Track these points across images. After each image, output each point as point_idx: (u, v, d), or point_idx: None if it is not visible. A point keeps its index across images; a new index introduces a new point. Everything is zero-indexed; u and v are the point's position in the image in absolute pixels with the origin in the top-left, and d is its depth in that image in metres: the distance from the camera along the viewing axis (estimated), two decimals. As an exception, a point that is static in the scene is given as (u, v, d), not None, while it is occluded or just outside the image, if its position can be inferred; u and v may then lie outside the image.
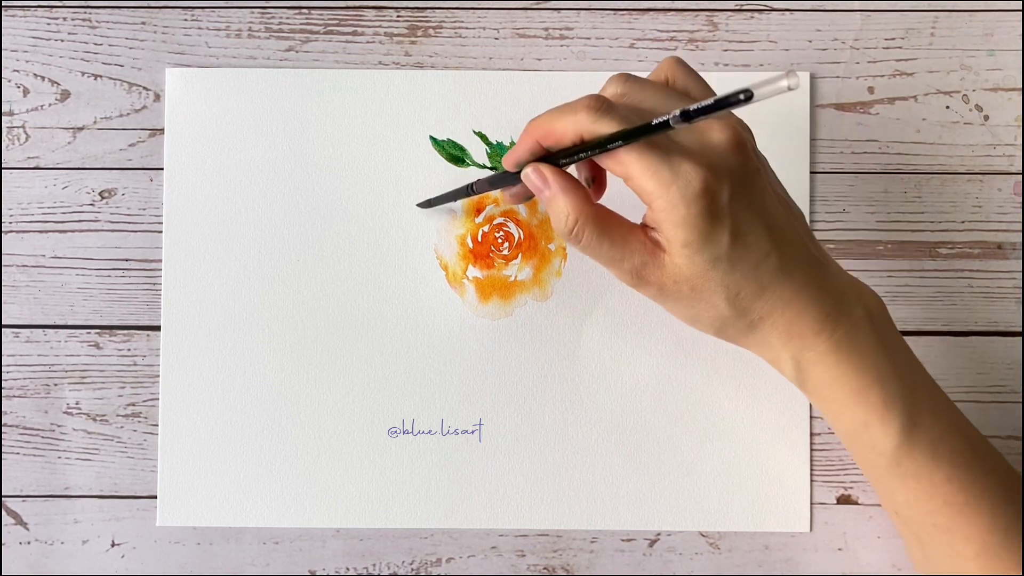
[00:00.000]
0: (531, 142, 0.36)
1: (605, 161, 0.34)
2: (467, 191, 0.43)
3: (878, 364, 0.36)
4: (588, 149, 0.34)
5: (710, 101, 0.29)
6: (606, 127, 0.33)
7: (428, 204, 0.46)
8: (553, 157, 0.36)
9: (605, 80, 0.36)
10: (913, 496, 0.37)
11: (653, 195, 0.33)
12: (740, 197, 0.34)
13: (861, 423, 0.36)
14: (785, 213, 0.36)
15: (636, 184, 0.34)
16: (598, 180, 0.39)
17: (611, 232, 0.35)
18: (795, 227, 0.36)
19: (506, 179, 0.39)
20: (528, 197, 0.40)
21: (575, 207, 0.35)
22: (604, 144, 0.33)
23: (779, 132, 0.46)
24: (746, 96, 0.28)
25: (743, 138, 0.34)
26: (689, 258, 0.34)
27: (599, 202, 0.37)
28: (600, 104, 0.34)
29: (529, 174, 0.36)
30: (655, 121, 0.31)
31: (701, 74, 0.37)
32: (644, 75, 0.35)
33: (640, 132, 0.32)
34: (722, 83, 0.46)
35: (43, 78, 0.47)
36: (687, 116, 0.30)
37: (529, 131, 0.36)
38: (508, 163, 0.38)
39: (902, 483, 0.37)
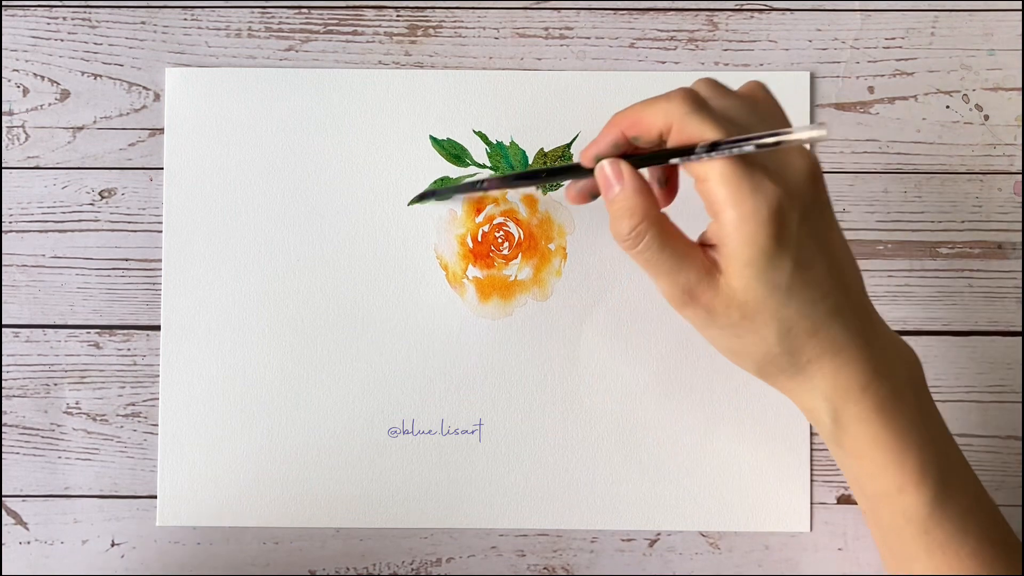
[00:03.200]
0: (615, 133, 0.35)
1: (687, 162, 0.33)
2: (474, 187, 0.42)
3: (918, 429, 0.35)
4: (671, 155, 0.33)
5: (773, 140, 0.30)
6: (698, 122, 0.32)
7: (426, 198, 0.46)
8: (631, 158, 0.35)
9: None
10: (934, 567, 0.35)
11: (725, 204, 0.32)
12: (809, 227, 0.33)
13: (896, 487, 0.35)
14: (848, 254, 0.35)
15: (711, 188, 0.32)
16: (670, 183, 0.38)
17: (671, 242, 0.34)
18: (856, 271, 0.35)
19: (571, 172, 0.38)
20: (593, 196, 0.39)
21: (642, 209, 0.34)
22: (686, 153, 0.32)
23: (779, 132, 0.46)
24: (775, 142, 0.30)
25: (820, 170, 0.33)
26: (747, 281, 0.32)
27: (664, 211, 0.36)
28: (696, 98, 0.33)
29: (605, 167, 0.35)
30: (742, 145, 0.31)
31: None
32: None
33: (718, 146, 0.32)
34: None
35: (43, 78, 0.47)
36: (761, 146, 0.31)
37: (613, 122, 0.35)
38: (586, 156, 0.36)
39: (927, 553, 0.35)
